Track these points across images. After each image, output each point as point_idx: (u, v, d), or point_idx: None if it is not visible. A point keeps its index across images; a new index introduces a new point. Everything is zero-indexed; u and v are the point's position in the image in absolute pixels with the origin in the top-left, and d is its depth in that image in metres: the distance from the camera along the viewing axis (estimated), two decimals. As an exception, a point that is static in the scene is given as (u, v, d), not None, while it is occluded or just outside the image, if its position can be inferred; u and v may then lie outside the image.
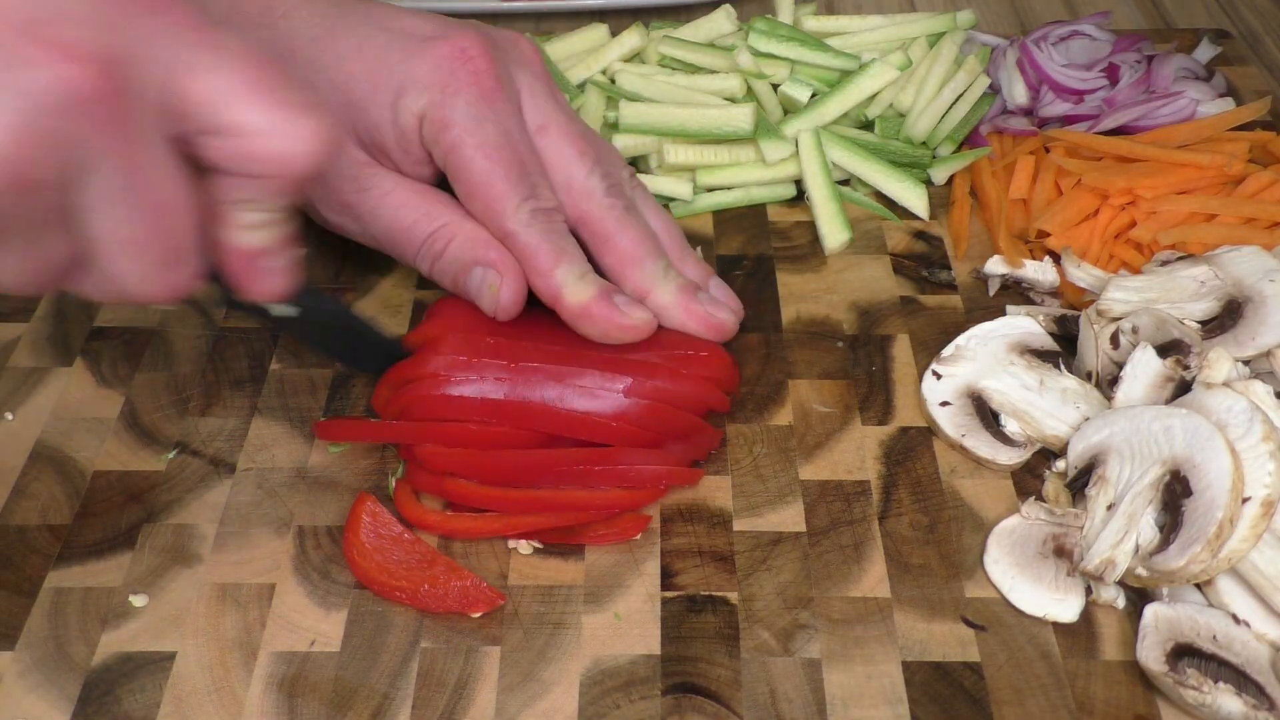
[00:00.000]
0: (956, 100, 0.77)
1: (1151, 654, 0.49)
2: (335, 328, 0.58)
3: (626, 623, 0.52)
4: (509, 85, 0.58)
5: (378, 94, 0.57)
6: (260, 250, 0.47)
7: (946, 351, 0.62)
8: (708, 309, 0.60)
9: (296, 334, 0.62)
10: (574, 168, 0.59)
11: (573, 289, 0.56)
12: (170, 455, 0.59)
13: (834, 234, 0.70)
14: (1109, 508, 0.53)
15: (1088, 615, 0.52)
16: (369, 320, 0.60)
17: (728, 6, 0.82)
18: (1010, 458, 0.57)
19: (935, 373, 0.61)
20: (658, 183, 0.73)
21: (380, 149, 0.59)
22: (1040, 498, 0.56)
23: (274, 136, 0.42)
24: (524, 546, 0.55)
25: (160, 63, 0.40)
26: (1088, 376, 0.60)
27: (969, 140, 0.77)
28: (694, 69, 0.79)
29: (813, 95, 0.77)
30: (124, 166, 0.40)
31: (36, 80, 0.37)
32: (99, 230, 0.41)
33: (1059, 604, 0.52)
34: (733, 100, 0.76)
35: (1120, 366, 0.58)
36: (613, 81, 0.78)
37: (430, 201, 0.58)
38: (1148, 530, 0.51)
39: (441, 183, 0.60)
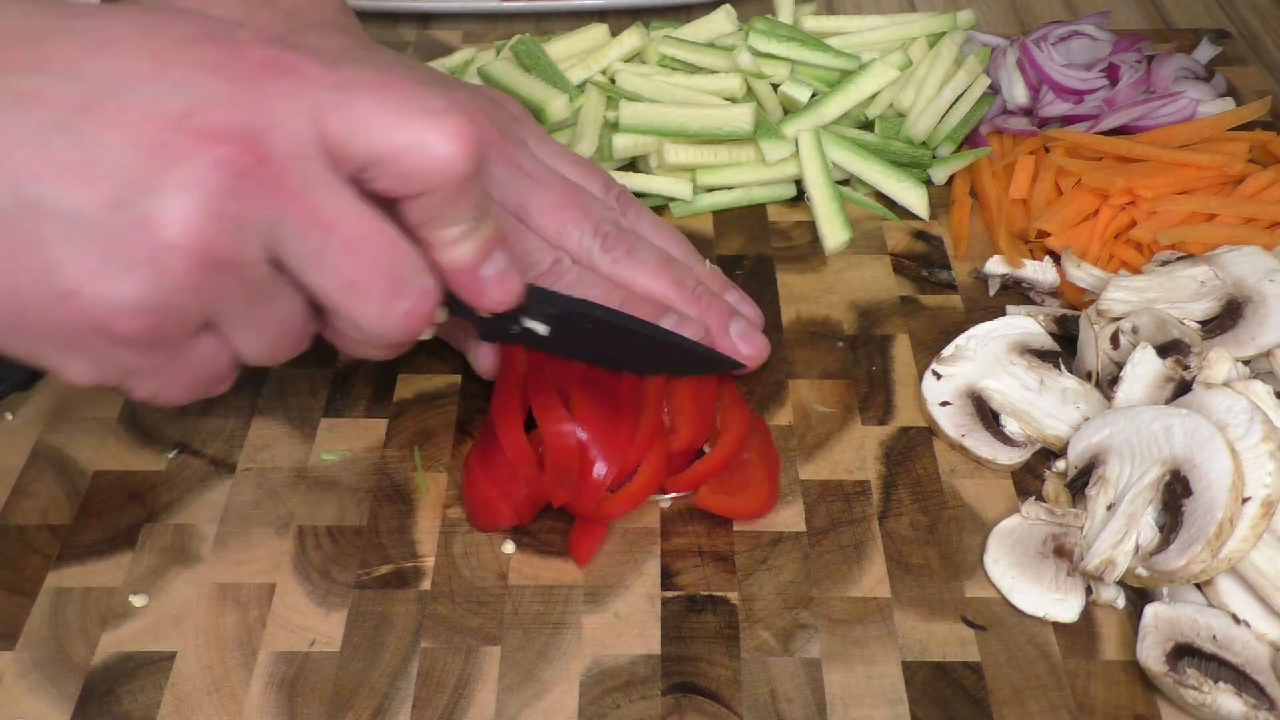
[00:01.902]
0: (956, 100, 0.77)
1: (1151, 654, 0.49)
2: (596, 331, 0.56)
3: (626, 623, 0.52)
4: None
5: None
6: (472, 261, 0.47)
7: (946, 351, 0.62)
8: (740, 338, 0.60)
9: (566, 351, 0.57)
10: (563, 235, 0.59)
11: None
12: (170, 455, 0.59)
13: (834, 234, 0.70)
14: (1109, 508, 0.53)
15: (1088, 615, 0.52)
16: (628, 318, 0.56)
17: (728, 6, 0.82)
18: (1010, 458, 0.57)
19: (935, 373, 0.61)
20: (657, 182, 0.73)
21: None
22: (1040, 498, 0.56)
23: (421, 149, 0.42)
24: (509, 545, 0.54)
25: (304, 116, 0.41)
26: (1088, 376, 0.60)
27: (969, 140, 0.77)
28: (694, 69, 0.79)
29: (813, 95, 0.77)
30: (305, 220, 0.41)
31: (197, 170, 0.39)
32: (317, 282, 0.43)
33: (1059, 604, 0.52)
34: (732, 100, 0.76)
35: (1120, 366, 0.58)
36: (612, 81, 0.78)
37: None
38: (1148, 530, 0.51)
39: None
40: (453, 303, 0.49)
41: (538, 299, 0.53)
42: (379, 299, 0.44)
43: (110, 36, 0.40)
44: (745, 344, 0.60)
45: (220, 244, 0.40)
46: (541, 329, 0.53)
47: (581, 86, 0.78)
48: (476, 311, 0.50)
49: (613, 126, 0.74)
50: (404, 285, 0.44)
